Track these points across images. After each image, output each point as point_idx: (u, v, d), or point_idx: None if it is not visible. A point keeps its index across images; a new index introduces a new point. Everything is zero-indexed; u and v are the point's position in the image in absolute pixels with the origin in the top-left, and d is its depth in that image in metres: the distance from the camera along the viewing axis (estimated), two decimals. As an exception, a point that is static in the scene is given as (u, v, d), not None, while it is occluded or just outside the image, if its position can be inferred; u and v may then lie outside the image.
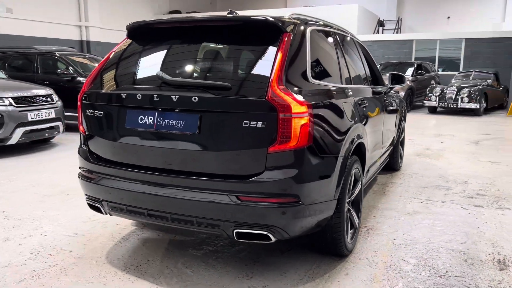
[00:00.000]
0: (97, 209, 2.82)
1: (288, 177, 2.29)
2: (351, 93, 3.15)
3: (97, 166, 2.74)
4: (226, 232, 2.39)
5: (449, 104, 12.50)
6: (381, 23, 23.31)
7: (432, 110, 13.26)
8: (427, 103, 12.94)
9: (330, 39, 3.23)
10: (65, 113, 7.27)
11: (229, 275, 2.74)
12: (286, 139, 2.25)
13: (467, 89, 12.32)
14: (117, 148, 2.67)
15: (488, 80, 13.30)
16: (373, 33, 21.77)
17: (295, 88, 2.37)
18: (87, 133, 2.82)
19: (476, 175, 5.38)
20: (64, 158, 6.22)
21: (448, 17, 23.11)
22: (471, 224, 3.67)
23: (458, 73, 14.40)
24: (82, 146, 2.90)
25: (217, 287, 2.59)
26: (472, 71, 14.04)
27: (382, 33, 22.60)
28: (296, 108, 2.24)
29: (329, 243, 2.81)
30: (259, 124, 2.25)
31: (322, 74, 2.83)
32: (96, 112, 2.72)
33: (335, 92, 2.83)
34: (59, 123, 7.03)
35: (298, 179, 2.30)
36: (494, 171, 5.65)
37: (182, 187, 2.43)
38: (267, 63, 2.38)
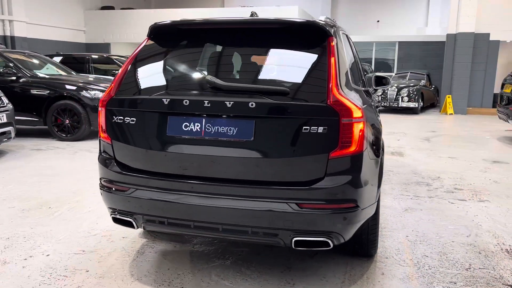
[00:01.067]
0: (127, 223, 2.61)
1: (348, 182, 2.28)
2: (370, 95, 3.23)
3: (129, 177, 2.53)
4: (284, 240, 2.32)
5: (391, 103, 13.27)
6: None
7: (375, 109, 13.98)
8: (370, 102, 13.60)
9: (350, 42, 3.27)
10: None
11: (270, 284, 2.67)
12: (347, 144, 2.24)
13: (406, 89, 13.17)
14: (155, 157, 2.48)
15: (422, 81, 14.33)
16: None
17: (348, 93, 2.37)
18: (113, 141, 2.59)
19: (444, 171, 5.76)
20: (22, 167, 5.67)
21: (378, 21, 24.51)
22: (465, 217, 3.92)
23: (395, 74, 15.33)
24: (105, 155, 2.66)
25: (265, 297, 2.52)
26: (408, 72, 15.04)
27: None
28: (356, 113, 2.24)
29: (364, 244, 2.85)
30: (320, 129, 2.22)
31: (355, 77, 2.86)
32: (127, 119, 2.51)
33: (367, 96, 2.88)
34: (10, 128, 6.39)
35: (356, 184, 2.31)
36: (457, 166, 6.09)
37: (235, 196, 2.32)
38: (321, 67, 2.35)
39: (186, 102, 2.35)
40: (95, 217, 3.77)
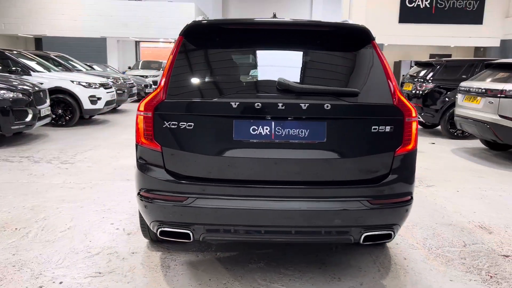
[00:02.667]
0: (179, 236, 2.42)
1: (408, 177, 2.47)
2: None
3: (187, 186, 2.35)
4: (354, 237, 2.41)
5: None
6: (209, 22, 24.18)
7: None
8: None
9: None
10: None
11: (318, 281, 2.73)
12: (407, 142, 2.42)
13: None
14: (220, 163, 2.35)
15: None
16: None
17: None
18: (164, 148, 2.37)
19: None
20: None
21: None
22: (429, 201, 4.45)
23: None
24: (149, 164, 2.42)
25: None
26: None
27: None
28: (413, 113, 2.43)
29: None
30: (387, 128, 2.36)
31: None
32: (183, 124, 2.32)
33: None
34: None
35: (412, 178, 2.51)
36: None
37: (308, 198, 2.33)
38: (377, 69, 2.47)
39: (258, 105, 2.28)
40: (82, 235, 3.37)
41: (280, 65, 2.56)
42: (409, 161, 2.46)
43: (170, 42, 27.55)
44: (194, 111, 2.34)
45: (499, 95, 5.98)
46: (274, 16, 3.14)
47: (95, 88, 9.11)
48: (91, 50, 19.17)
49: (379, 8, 14.11)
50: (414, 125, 2.43)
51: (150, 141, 2.39)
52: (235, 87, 2.45)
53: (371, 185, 2.38)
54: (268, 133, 2.31)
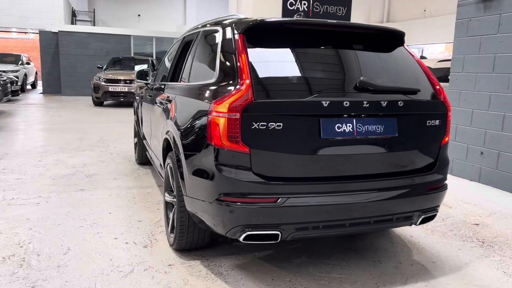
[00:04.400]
0: (266, 238, 2.37)
1: (447, 164, 2.84)
2: None
3: (278, 187, 2.32)
4: (415, 220, 2.68)
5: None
6: (74, 14, 22.11)
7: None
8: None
9: None
10: None
11: (365, 265, 2.94)
12: (448, 133, 2.79)
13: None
14: (309, 161, 2.37)
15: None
16: (72, 24, 20.46)
17: None
18: (252, 150, 2.28)
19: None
20: None
21: (139, 15, 24.50)
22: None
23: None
24: (235, 166, 2.31)
25: None
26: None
27: (75, 24, 21.55)
28: (450, 107, 2.81)
29: None
30: (437, 122, 2.69)
31: None
32: (272, 125, 2.28)
33: None
34: None
35: (448, 165, 2.89)
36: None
37: (384, 189, 2.52)
38: (418, 68, 2.78)
39: (346, 104, 2.37)
40: (93, 254, 2.98)
41: (346, 64, 2.67)
42: (447, 149, 2.84)
43: (26, 33, 24.36)
44: (284, 111, 2.32)
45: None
46: (298, 15, 3.20)
47: None
48: None
49: (265, 9, 14.83)
50: (450, 118, 2.81)
51: (235, 143, 2.29)
52: (319, 86, 2.48)
53: (427, 173, 2.69)
54: (351, 130, 2.42)
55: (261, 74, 2.39)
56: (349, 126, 2.42)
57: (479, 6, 5.22)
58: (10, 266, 2.75)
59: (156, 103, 3.97)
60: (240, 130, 2.27)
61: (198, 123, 2.56)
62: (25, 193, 4.30)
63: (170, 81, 3.98)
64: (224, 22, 2.86)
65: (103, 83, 12.97)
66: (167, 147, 3.32)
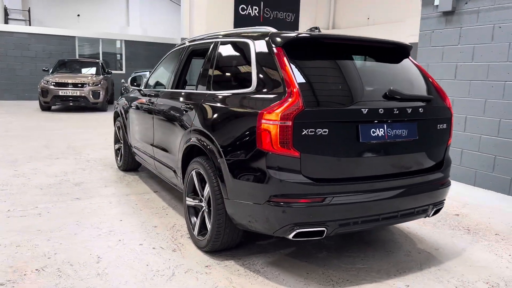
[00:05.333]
0: (313, 234, 2.60)
1: (450, 162, 3.24)
2: None
3: (325, 187, 2.56)
4: (429, 213, 3.04)
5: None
6: (6, 12, 20.70)
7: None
8: (124, 101, 13.53)
9: None
10: None
11: (382, 255, 3.26)
12: (451, 136, 3.19)
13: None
14: (350, 163, 2.64)
15: (145, 75, 15.35)
16: (4, 24, 19.17)
17: None
18: (302, 155, 2.50)
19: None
20: None
21: (78, 15, 23.48)
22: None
23: (135, 72, 15.61)
24: (285, 170, 2.51)
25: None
26: (147, 71, 15.66)
27: (7, 23, 20.23)
28: (453, 113, 3.21)
29: None
30: (444, 125, 3.08)
31: None
32: (319, 131, 2.52)
33: None
34: None
35: (451, 163, 3.29)
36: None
37: (409, 186, 2.85)
38: (426, 78, 3.16)
39: (381, 111, 2.66)
40: (126, 260, 3.02)
41: (371, 74, 2.98)
42: (449, 150, 3.24)
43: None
44: (329, 118, 2.56)
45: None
46: (315, 28, 3.46)
47: None
48: None
49: (217, 13, 14.98)
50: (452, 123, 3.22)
51: (287, 148, 2.49)
52: (356, 94, 2.74)
53: (438, 171, 3.07)
54: (383, 134, 2.72)
55: (305, 84, 2.61)
56: (381, 130, 2.72)
57: (441, 20, 5.83)
58: (48, 277, 2.73)
59: (163, 110, 4.03)
60: (291, 136, 2.48)
61: (242, 129, 2.72)
62: (19, 204, 4.15)
63: (175, 88, 4.05)
64: (255, 35, 3.04)
65: (53, 87, 12.38)
66: (189, 154, 3.42)
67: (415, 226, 3.93)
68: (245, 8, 16.11)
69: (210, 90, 3.32)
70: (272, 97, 2.62)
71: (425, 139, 2.98)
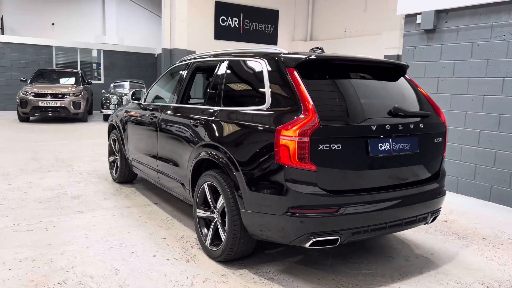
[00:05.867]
0: (328, 243, 2.78)
1: (445, 173, 3.50)
2: None
3: (339, 198, 2.75)
4: (428, 220, 3.27)
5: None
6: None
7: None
8: (105, 111, 13.44)
9: None
10: None
11: (384, 260, 3.48)
12: (445, 149, 3.45)
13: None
14: (360, 176, 2.85)
15: (144, 90, 15.30)
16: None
17: None
18: (319, 168, 2.69)
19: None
20: None
21: (53, 24, 23.09)
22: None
23: (115, 83, 15.50)
24: (303, 182, 2.69)
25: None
26: (127, 81, 15.59)
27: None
28: (447, 126, 3.48)
29: None
30: (440, 139, 3.34)
31: None
32: (333, 146, 2.71)
33: None
34: None
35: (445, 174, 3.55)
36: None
37: (411, 195, 3.08)
38: (422, 95, 3.41)
39: (388, 127, 2.89)
40: (147, 272, 3.11)
41: (376, 92, 3.20)
42: (443, 161, 3.50)
43: None
44: (342, 134, 2.76)
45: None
46: (318, 48, 3.66)
47: None
48: None
49: (198, 24, 15.13)
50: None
51: (304, 162, 2.67)
52: (365, 111, 2.95)
53: (436, 181, 3.31)
54: (389, 148, 2.95)
55: (319, 103, 2.81)
56: (387, 145, 2.95)
57: (423, 37, 6.19)
58: None
59: (168, 124, 4.14)
60: (309, 151, 2.67)
61: (259, 144, 2.89)
62: (22, 219, 4.16)
63: (179, 103, 4.18)
64: (266, 55, 3.22)
65: (32, 97, 12.18)
66: (198, 167, 3.55)
67: (409, 233, 4.18)
68: (225, 19, 16.35)
69: (220, 106, 3.47)
70: (288, 114, 2.80)
71: (424, 152, 3.22)
